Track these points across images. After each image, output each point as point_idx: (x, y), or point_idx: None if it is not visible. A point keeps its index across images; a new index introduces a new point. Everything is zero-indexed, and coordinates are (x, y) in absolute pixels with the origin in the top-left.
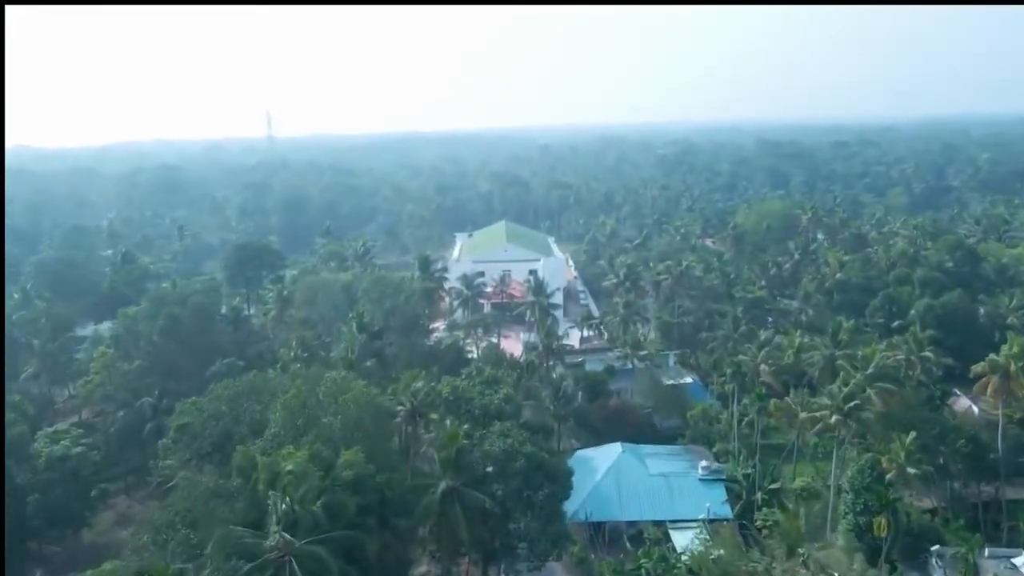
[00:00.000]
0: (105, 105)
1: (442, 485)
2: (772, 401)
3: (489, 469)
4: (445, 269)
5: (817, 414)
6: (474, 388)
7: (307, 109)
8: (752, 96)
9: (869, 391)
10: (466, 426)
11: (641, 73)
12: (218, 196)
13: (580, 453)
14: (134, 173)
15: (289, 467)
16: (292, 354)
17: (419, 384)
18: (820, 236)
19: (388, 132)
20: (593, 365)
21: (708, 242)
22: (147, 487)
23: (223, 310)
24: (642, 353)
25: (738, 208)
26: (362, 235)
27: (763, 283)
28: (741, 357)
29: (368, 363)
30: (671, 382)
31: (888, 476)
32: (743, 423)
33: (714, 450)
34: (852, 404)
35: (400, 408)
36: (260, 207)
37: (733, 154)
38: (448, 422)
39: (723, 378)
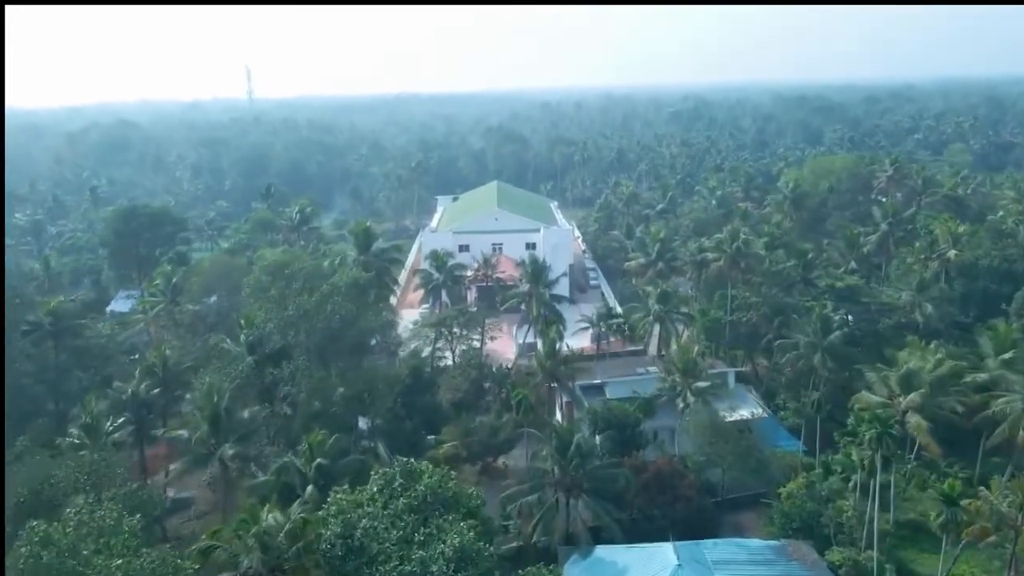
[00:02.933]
0: (93, 66)
1: None
2: (969, 504)
3: None
4: (396, 249)
5: None
6: (395, 528)
7: (297, 70)
8: (754, 58)
9: None
10: None
11: (641, 35)
12: (172, 155)
13: (604, 553)
14: (86, 130)
15: None
16: (130, 391)
17: (270, 519)
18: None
19: (381, 93)
20: (616, 390)
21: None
22: None
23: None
24: (701, 385)
25: (774, 166)
26: (301, 198)
27: (852, 265)
28: (870, 396)
29: (246, 413)
30: (735, 416)
31: None
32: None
33: (830, 559)
34: None
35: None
36: (216, 166)
37: (753, 111)
38: None
39: (852, 439)
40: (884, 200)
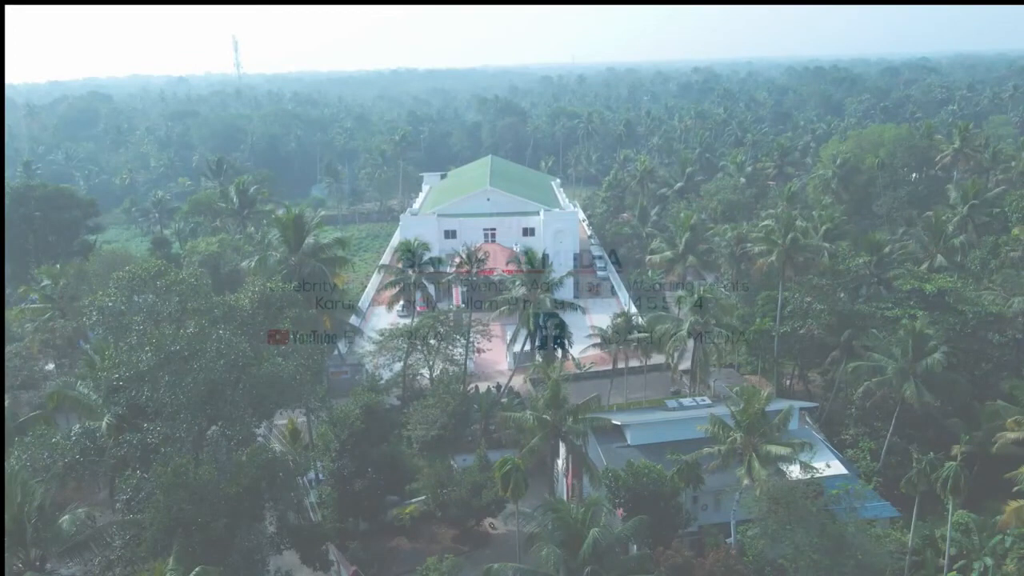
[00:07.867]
0: (88, 43)
1: None
2: None
3: None
4: (339, 244)
5: None
6: None
7: (292, 47)
8: (756, 36)
9: None
10: None
11: (641, 13)
12: (141, 129)
13: None
14: (54, 104)
15: None
16: None
17: None
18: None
19: (377, 69)
20: (643, 434)
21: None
22: None
23: None
24: (776, 451)
25: (799, 139)
26: (251, 173)
27: (941, 260)
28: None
29: (68, 517)
30: (808, 473)
31: None
32: None
33: None
34: None
35: None
36: (186, 141)
37: (768, 83)
38: None
39: None
40: (943, 176)
